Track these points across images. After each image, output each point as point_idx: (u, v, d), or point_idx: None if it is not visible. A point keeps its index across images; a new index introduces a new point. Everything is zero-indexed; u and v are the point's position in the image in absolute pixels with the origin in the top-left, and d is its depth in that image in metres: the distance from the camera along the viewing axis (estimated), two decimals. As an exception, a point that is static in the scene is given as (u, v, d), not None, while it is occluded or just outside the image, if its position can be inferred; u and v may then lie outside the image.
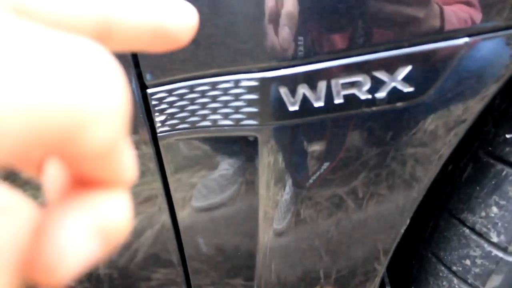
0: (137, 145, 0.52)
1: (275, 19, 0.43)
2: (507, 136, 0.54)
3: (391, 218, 0.56)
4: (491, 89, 0.47)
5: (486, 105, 0.48)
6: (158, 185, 0.55)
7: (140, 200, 0.57)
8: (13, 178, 0.54)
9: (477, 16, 0.43)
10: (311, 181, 0.52)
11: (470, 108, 0.48)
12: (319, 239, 0.58)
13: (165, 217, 0.58)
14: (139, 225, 0.58)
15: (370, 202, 0.54)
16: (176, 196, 0.56)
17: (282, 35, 0.43)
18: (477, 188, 0.57)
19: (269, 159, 0.51)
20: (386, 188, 0.53)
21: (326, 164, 0.51)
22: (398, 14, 0.42)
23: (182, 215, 0.58)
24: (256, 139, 0.49)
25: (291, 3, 0.42)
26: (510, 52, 0.45)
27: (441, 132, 0.49)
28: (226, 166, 0.55)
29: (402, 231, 0.57)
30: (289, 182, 0.53)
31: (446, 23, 0.43)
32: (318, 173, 0.52)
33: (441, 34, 0.43)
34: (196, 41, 0.45)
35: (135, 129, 0.51)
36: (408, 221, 0.56)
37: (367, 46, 0.43)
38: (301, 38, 0.43)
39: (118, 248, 0.60)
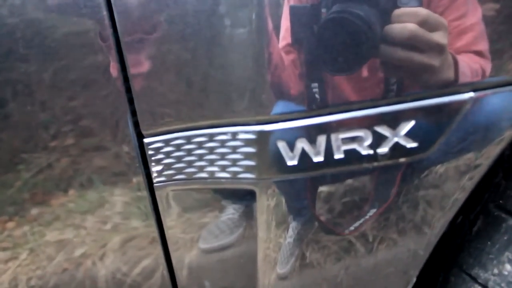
0: (133, 193, 0.51)
1: (274, 72, 0.42)
2: (519, 189, 0.51)
3: (402, 265, 0.53)
4: (500, 143, 0.45)
5: (495, 159, 0.46)
6: (153, 230, 0.54)
7: (137, 245, 0.55)
8: (22, 214, 0.53)
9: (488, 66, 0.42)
10: (311, 234, 0.50)
11: (478, 163, 0.46)
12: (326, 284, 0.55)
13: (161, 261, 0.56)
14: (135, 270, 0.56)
15: (380, 246, 0.52)
16: (171, 241, 0.55)
17: (281, 88, 0.42)
18: (489, 243, 0.54)
19: (268, 207, 0.49)
20: (392, 243, 0.51)
21: (326, 216, 0.49)
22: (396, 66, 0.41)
23: (177, 257, 0.56)
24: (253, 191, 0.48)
25: (291, 56, 0.42)
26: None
27: (448, 188, 0.47)
28: (225, 212, 0.53)
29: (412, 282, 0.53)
30: (291, 228, 0.50)
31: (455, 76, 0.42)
32: (317, 226, 0.50)
33: (447, 88, 0.42)
34: (192, 91, 0.45)
35: (131, 178, 0.50)
36: (417, 272, 0.53)
37: (368, 100, 0.42)
38: (300, 91, 0.42)
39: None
